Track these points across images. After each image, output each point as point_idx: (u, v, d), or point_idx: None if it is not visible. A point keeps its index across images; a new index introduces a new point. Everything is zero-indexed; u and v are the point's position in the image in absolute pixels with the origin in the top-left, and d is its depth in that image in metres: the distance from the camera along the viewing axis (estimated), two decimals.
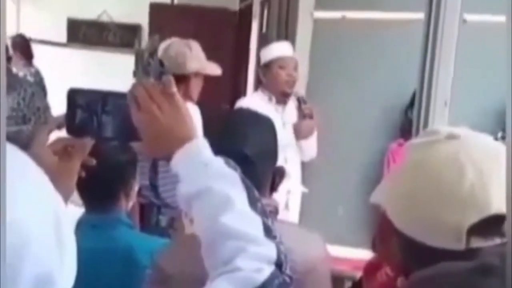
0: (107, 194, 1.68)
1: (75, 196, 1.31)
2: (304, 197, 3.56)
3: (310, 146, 3.33)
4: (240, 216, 0.89)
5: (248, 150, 1.33)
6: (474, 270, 0.58)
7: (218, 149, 0.98)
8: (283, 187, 1.60)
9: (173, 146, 0.95)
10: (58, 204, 0.63)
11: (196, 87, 2.85)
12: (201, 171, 0.93)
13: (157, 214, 2.58)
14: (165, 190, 2.58)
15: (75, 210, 1.56)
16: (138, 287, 1.39)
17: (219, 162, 0.95)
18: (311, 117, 3.22)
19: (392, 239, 0.96)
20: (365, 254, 1.96)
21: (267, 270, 0.85)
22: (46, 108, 4.19)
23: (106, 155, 1.43)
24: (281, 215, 1.49)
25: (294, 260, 1.23)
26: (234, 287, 0.82)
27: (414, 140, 1.02)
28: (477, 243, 0.86)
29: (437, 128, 0.99)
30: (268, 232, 0.89)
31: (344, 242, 3.21)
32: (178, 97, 0.97)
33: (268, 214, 0.94)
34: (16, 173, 0.59)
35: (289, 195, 3.21)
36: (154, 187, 2.60)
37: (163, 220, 2.55)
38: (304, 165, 3.53)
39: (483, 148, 0.94)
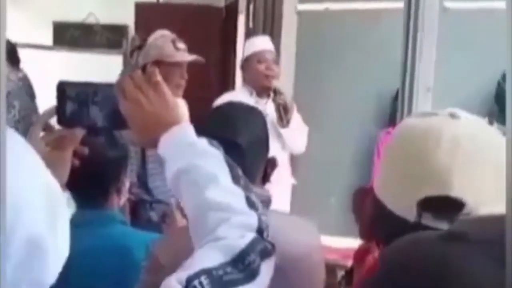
0: (98, 191, 1.68)
1: None
2: (295, 188, 3.58)
3: (296, 139, 3.34)
4: (224, 190, 0.94)
5: (240, 140, 1.35)
6: (442, 236, 0.61)
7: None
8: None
9: (160, 131, 1.00)
10: (49, 176, 0.67)
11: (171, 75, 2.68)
12: (185, 151, 0.98)
13: (149, 210, 2.60)
14: (155, 186, 2.60)
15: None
16: (134, 284, 1.41)
17: (202, 142, 1.00)
18: (285, 107, 3.22)
19: (369, 206, 0.98)
20: (355, 243, 1.99)
21: (249, 236, 0.89)
22: (34, 110, 4.22)
23: (97, 151, 1.45)
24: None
25: (289, 247, 1.26)
26: (218, 253, 0.85)
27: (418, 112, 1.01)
28: (427, 220, 0.86)
29: (453, 109, 0.95)
30: (251, 204, 0.94)
31: (335, 232, 3.24)
32: (163, 85, 1.03)
33: (251, 189, 0.98)
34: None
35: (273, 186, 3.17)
36: (143, 183, 2.61)
37: (155, 216, 2.57)
38: (294, 157, 3.56)
39: (477, 135, 0.90)
